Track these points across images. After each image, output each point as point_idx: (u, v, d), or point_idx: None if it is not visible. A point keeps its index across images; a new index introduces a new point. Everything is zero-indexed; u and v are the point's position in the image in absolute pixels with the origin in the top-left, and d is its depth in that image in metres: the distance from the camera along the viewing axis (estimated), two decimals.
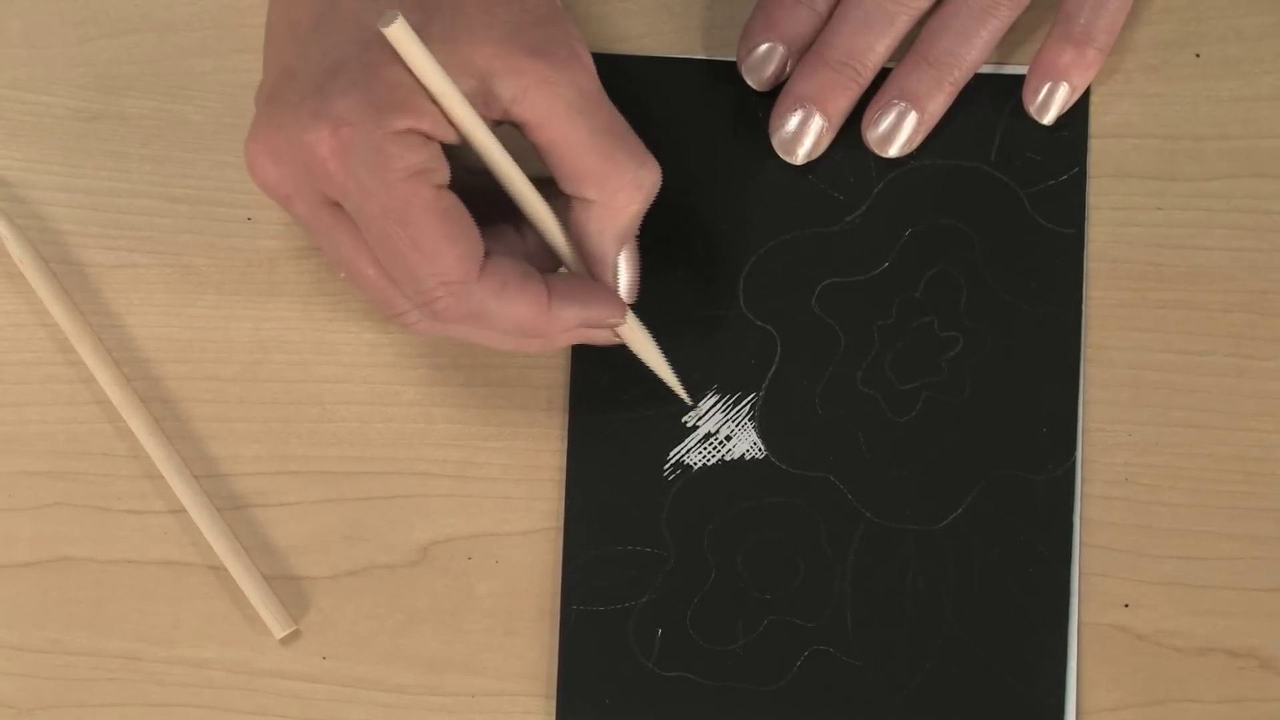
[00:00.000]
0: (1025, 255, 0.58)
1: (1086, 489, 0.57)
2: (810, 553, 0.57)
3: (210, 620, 0.58)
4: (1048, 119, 0.58)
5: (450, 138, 0.50)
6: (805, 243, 0.58)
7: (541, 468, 0.58)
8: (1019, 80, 0.58)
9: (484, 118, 0.50)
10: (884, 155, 0.58)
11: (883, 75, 0.57)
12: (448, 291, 0.50)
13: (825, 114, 0.57)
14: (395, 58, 0.48)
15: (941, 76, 0.57)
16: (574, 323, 0.52)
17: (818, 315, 0.58)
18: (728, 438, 0.58)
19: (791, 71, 0.58)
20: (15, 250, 0.59)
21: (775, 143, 0.58)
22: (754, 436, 0.58)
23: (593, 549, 0.57)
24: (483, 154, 0.50)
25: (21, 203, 0.59)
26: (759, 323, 0.58)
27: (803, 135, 0.57)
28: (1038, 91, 0.58)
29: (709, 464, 0.58)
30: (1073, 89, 0.57)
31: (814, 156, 0.58)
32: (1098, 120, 0.58)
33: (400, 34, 0.47)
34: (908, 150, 0.58)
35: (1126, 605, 0.57)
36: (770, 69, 0.58)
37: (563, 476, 0.58)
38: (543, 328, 0.51)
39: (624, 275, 0.53)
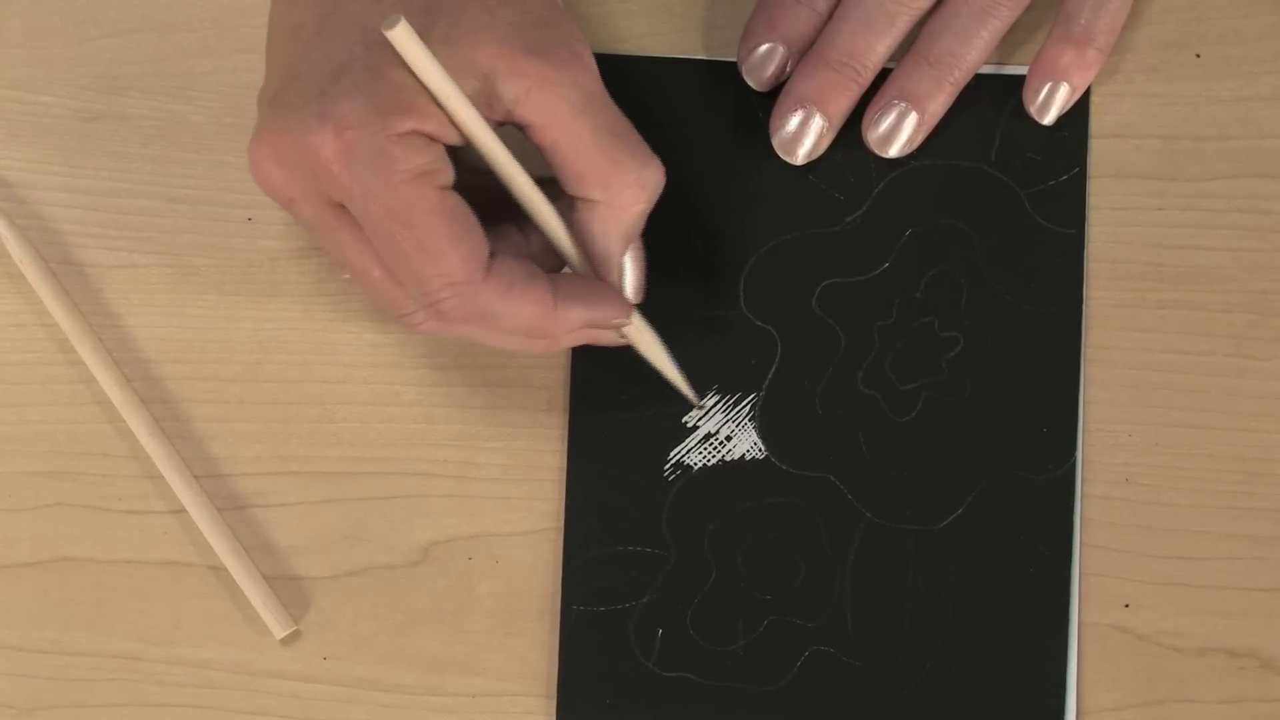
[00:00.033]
0: (1025, 255, 0.58)
1: (1087, 489, 0.57)
2: (810, 553, 0.57)
3: (210, 620, 0.58)
4: (1048, 119, 0.58)
5: (454, 139, 0.50)
6: (805, 243, 0.58)
7: (542, 468, 0.58)
8: (1019, 80, 0.58)
9: (487, 119, 0.50)
10: (884, 155, 0.58)
11: (883, 75, 0.57)
12: (453, 292, 0.50)
13: (826, 114, 0.57)
14: (399, 60, 0.48)
15: (942, 77, 0.57)
16: (580, 323, 0.52)
17: (818, 315, 0.58)
18: (728, 438, 0.58)
19: (792, 72, 0.58)
20: (15, 250, 0.59)
21: (775, 143, 0.58)
22: (754, 437, 0.58)
23: (593, 549, 0.57)
24: (486, 155, 0.50)
25: (22, 203, 0.59)
26: (759, 323, 0.58)
27: (803, 135, 0.57)
28: (1038, 92, 0.58)
29: (709, 464, 0.58)
30: (1073, 89, 0.57)
31: (814, 157, 0.58)
32: (1098, 120, 0.58)
33: (403, 37, 0.47)
34: (908, 150, 0.58)
35: (1127, 605, 0.57)
36: (771, 69, 0.58)
37: (563, 477, 0.58)
38: (549, 328, 0.51)
39: (629, 275, 0.54)
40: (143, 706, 0.58)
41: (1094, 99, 0.58)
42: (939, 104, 0.57)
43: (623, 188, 0.51)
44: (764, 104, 0.58)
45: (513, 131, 0.51)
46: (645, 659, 0.57)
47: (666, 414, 0.58)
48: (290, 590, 0.58)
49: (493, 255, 0.50)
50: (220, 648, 0.58)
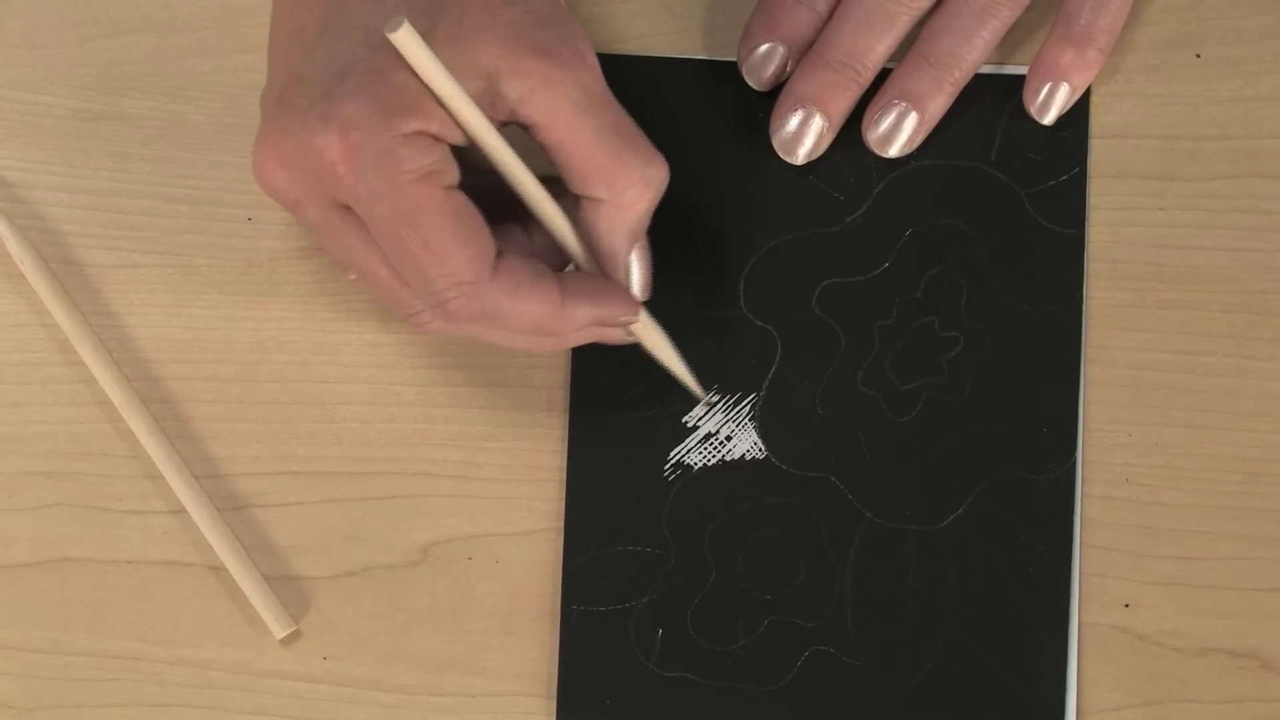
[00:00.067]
0: (1026, 255, 0.58)
1: (1087, 489, 0.57)
2: (810, 553, 0.57)
3: (210, 620, 0.58)
4: (1048, 119, 0.58)
5: (458, 139, 0.50)
6: (806, 243, 0.58)
7: (542, 468, 0.58)
8: (1019, 80, 0.58)
9: (491, 119, 0.50)
10: (884, 155, 0.58)
11: (883, 75, 0.57)
12: (460, 292, 0.50)
13: (826, 114, 0.57)
14: (402, 61, 0.48)
15: (942, 77, 0.57)
16: (587, 321, 0.52)
17: (818, 315, 0.58)
18: (728, 438, 0.58)
19: (792, 72, 0.58)
20: (15, 250, 0.59)
21: (776, 143, 0.58)
22: (754, 436, 0.58)
23: (593, 549, 0.57)
24: (491, 155, 0.50)
25: (22, 203, 0.59)
26: (759, 323, 0.58)
27: (803, 135, 0.57)
28: (1038, 92, 0.58)
29: (709, 464, 0.58)
30: (1073, 89, 0.57)
31: (814, 157, 0.58)
32: (1098, 120, 0.58)
33: (407, 39, 0.47)
34: (908, 150, 0.58)
35: (1127, 605, 0.57)
36: (771, 69, 0.58)
37: (563, 476, 0.58)
38: (556, 326, 0.51)
39: (636, 273, 0.54)
40: (143, 706, 0.58)
41: (1094, 99, 0.58)
42: (939, 104, 0.57)
43: (627, 186, 0.51)
44: (764, 104, 0.58)
45: (516, 131, 0.51)
46: (645, 659, 0.57)
47: (666, 414, 0.58)
48: (290, 590, 0.58)
49: (500, 254, 0.50)
50: (220, 648, 0.58)
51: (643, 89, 0.58)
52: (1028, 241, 0.58)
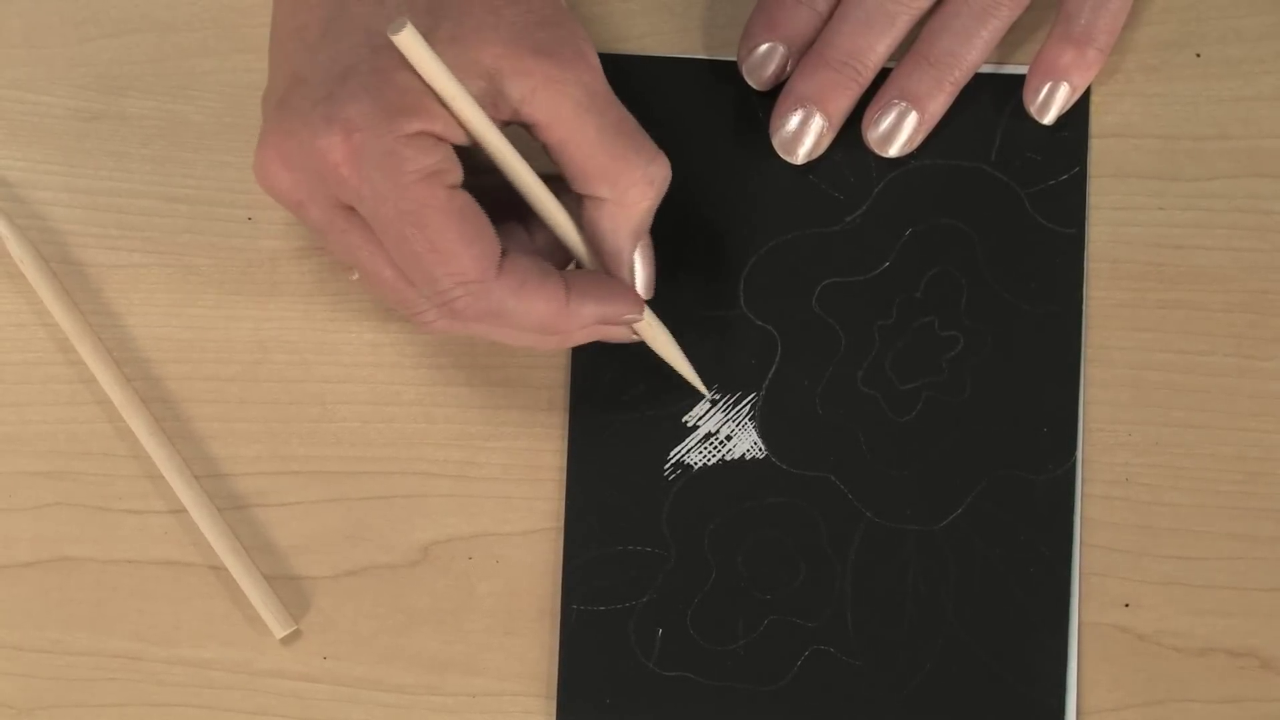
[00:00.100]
0: (1026, 255, 0.58)
1: (1087, 489, 0.57)
2: (811, 553, 0.57)
3: (210, 620, 0.58)
4: (1048, 119, 0.58)
5: (461, 139, 0.50)
6: (806, 243, 0.58)
7: (542, 468, 0.58)
8: (1019, 80, 0.58)
9: (493, 119, 0.50)
10: (884, 155, 0.58)
11: (883, 75, 0.57)
12: (466, 291, 0.50)
13: (826, 114, 0.57)
14: (405, 62, 0.48)
15: (942, 76, 0.57)
16: (592, 319, 0.52)
17: (818, 315, 0.58)
18: (728, 438, 0.58)
19: (792, 71, 0.58)
20: (16, 250, 0.59)
21: (776, 143, 0.58)
22: (754, 436, 0.58)
23: (593, 549, 0.57)
24: (494, 156, 0.50)
25: (22, 203, 0.59)
26: (759, 323, 0.58)
27: (803, 135, 0.57)
28: (1038, 91, 0.58)
29: (709, 464, 0.58)
30: (1073, 89, 0.57)
31: (814, 156, 0.58)
32: (1098, 120, 0.58)
33: (410, 41, 0.47)
34: (908, 150, 0.58)
35: (1127, 605, 0.57)
36: (771, 69, 0.58)
37: (563, 476, 0.58)
38: (561, 324, 0.52)
39: (640, 271, 0.54)
40: (143, 706, 0.58)
41: (1094, 99, 0.58)
42: (939, 104, 0.57)
43: (630, 185, 0.52)
44: (764, 104, 0.58)
45: (517, 131, 0.51)
46: (645, 659, 0.57)
47: (666, 414, 0.58)
48: (290, 590, 0.58)
49: (505, 253, 0.50)
50: (220, 648, 0.58)
51: (643, 89, 0.58)
52: (1028, 241, 0.58)
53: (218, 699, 0.58)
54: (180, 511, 0.58)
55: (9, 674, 0.58)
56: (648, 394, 0.58)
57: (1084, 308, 0.58)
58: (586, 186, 0.52)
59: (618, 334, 0.54)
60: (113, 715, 0.58)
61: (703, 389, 0.57)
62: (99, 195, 0.59)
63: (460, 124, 0.49)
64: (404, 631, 0.58)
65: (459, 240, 0.49)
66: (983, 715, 0.57)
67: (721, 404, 0.58)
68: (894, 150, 0.58)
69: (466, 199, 0.49)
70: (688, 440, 0.58)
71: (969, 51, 0.57)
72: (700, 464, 0.58)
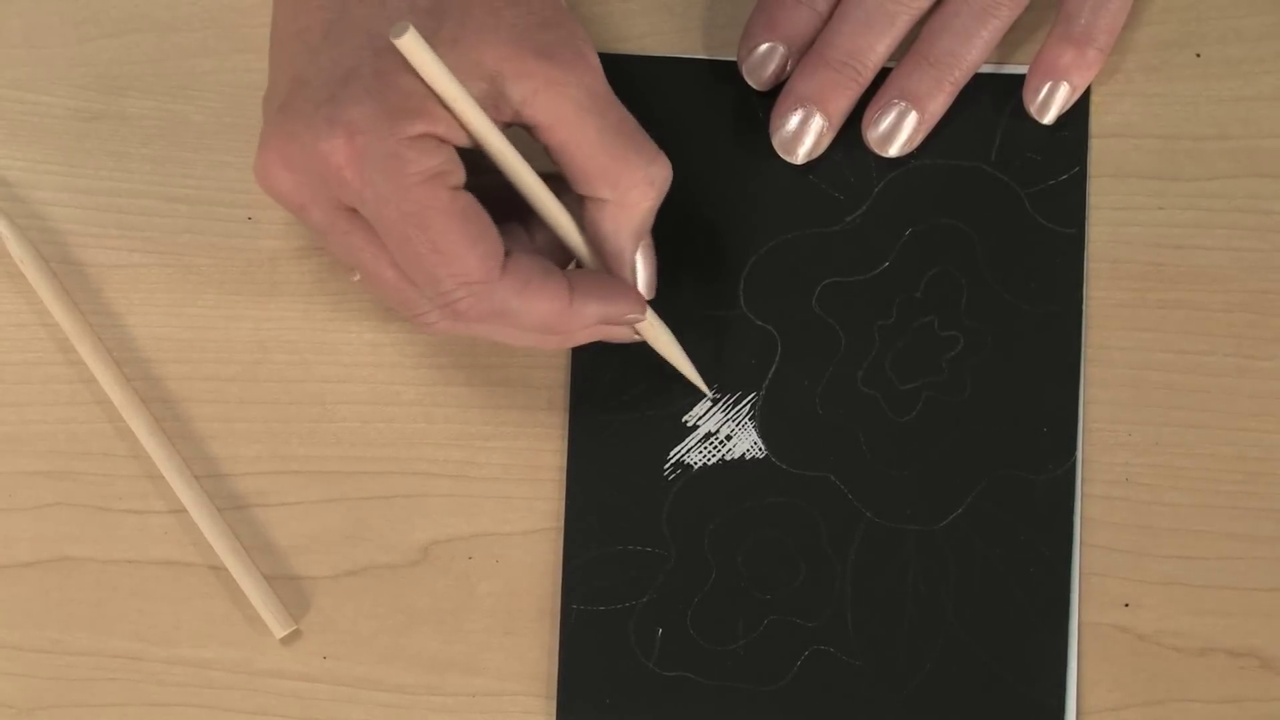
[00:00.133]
0: (1026, 255, 0.58)
1: (1087, 489, 0.57)
2: (811, 552, 0.57)
3: (210, 620, 0.58)
4: (1048, 119, 0.58)
5: (463, 141, 0.50)
6: (805, 242, 0.58)
7: (542, 467, 0.58)
8: (1019, 80, 0.58)
9: (495, 120, 0.50)
10: (884, 155, 0.58)
11: (883, 75, 0.57)
12: (469, 292, 0.50)
13: (826, 114, 0.57)
14: (407, 65, 0.48)
15: (942, 76, 0.57)
16: (595, 319, 0.52)
17: (818, 315, 0.58)
18: (728, 437, 0.58)
19: (792, 71, 0.58)
20: (16, 250, 0.59)
21: (775, 142, 0.58)
22: (754, 436, 0.58)
23: (593, 549, 0.57)
24: (496, 157, 0.50)
25: (22, 203, 0.59)
26: (759, 322, 0.58)
27: (803, 135, 0.57)
28: (1038, 91, 0.58)
29: (709, 464, 0.58)
30: (1073, 89, 0.57)
31: (814, 156, 0.58)
32: (1098, 120, 0.58)
33: (412, 44, 0.47)
34: (908, 150, 0.58)
35: (1127, 605, 0.57)
36: (771, 69, 0.58)
37: (563, 476, 0.58)
38: (564, 324, 0.52)
39: (641, 271, 0.54)
40: (143, 706, 0.58)
41: (1094, 99, 0.58)
42: (939, 104, 0.57)
43: (631, 186, 0.52)
44: (764, 104, 0.58)
45: (519, 131, 0.51)
46: (645, 659, 0.57)
47: (666, 414, 0.58)
48: (290, 590, 0.58)
49: (508, 253, 0.50)
50: (220, 647, 0.58)
51: (643, 89, 0.58)
52: (1028, 241, 0.58)
53: (218, 699, 0.58)
54: (180, 511, 0.58)
55: (9, 674, 0.58)
56: (648, 394, 0.58)
57: (1084, 308, 0.58)
58: (588, 187, 0.52)
59: (620, 334, 0.54)
60: (113, 715, 0.58)
61: (705, 388, 0.57)
62: (99, 195, 0.59)
63: (462, 126, 0.49)
64: (404, 631, 0.58)
65: (462, 241, 0.49)
66: (983, 715, 0.57)
67: (721, 404, 0.58)
68: (894, 150, 0.58)
69: (469, 200, 0.50)
70: (688, 440, 0.58)
71: (969, 51, 0.57)
72: (700, 464, 0.58)
